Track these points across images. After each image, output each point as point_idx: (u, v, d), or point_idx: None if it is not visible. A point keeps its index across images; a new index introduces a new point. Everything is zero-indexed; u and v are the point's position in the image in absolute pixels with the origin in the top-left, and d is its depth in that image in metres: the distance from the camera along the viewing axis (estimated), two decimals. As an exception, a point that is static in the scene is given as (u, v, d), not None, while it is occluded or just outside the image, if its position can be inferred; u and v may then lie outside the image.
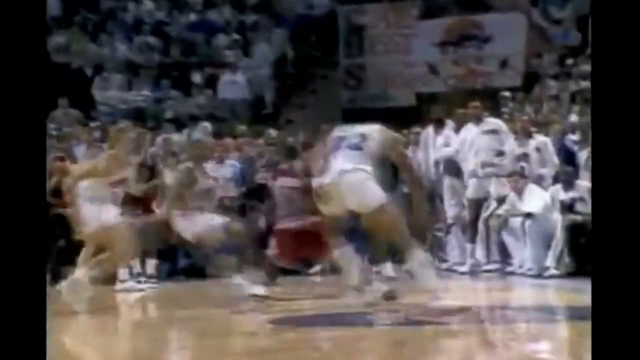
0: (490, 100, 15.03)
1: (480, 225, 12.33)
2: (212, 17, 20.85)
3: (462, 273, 12.18)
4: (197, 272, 12.62)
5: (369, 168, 7.55)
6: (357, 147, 7.60)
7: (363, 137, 7.70)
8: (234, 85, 18.92)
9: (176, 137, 16.19)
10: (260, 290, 8.64)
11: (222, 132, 16.31)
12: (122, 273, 11.37)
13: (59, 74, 18.37)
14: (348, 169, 7.47)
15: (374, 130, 7.81)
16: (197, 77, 19.37)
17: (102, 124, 16.92)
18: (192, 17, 20.78)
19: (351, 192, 7.37)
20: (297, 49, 20.10)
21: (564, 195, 11.41)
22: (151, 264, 12.39)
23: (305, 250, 9.07)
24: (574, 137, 13.10)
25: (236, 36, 20.29)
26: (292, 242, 8.95)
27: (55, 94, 17.46)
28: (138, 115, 18.14)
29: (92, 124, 16.77)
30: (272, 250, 9.08)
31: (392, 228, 7.42)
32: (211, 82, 19.23)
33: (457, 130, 12.87)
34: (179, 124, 17.59)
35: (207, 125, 16.78)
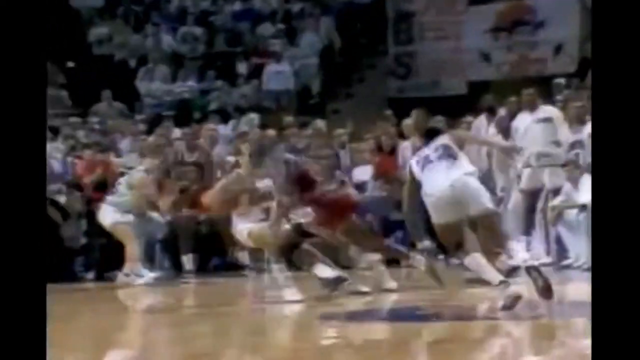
0: (544, 88, 14.61)
1: (538, 217, 12.01)
2: (257, 5, 20.70)
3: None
4: (229, 267, 12.68)
5: (474, 170, 7.86)
6: (450, 156, 7.83)
7: (446, 147, 7.90)
8: (279, 75, 18.67)
9: (222, 129, 16.05)
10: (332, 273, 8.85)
11: (268, 123, 16.11)
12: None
13: (101, 66, 18.32)
14: (459, 176, 7.71)
15: (446, 139, 8.01)
16: (242, 68, 19.22)
17: (147, 116, 16.85)
18: (237, 6, 20.66)
19: (468, 198, 7.62)
20: (344, 38, 19.77)
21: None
22: (189, 260, 12.36)
23: (338, 217, 9.01)
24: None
25: (282, 25, 20.09)
26: (330, 209, 8.90)
27: (98, 86, 17.39)
28: (183, 107, 18.05)
29: (137, 117, 16.68)
30: (306, 218, 8.90)
31: (496, 229, 7.75)
32: (257, 73, 19.03)
33: (510, 118, 12.58)
34: (225, 115, 17.41)
35: (254, 116, 16.61)
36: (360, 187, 13.00)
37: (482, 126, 12.88)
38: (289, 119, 15.73)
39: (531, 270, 7.37)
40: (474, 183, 7.71)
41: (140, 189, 11.80)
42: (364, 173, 13.13)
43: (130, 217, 11.72)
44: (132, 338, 7.50)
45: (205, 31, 19.84)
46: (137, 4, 20.26)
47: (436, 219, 7.69)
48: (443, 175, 7.67)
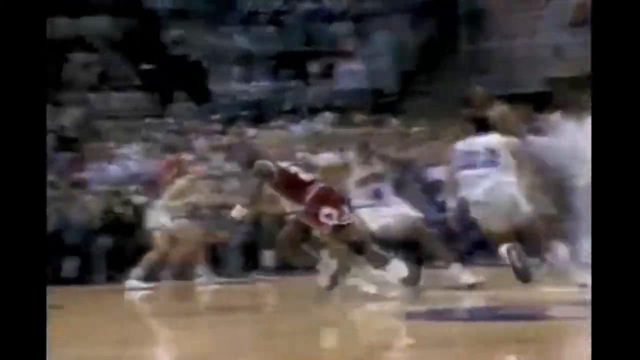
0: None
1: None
2: (330, 5, 20.73)
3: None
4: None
5: (513, 180, 8.24)
6: (493, 164, 8.21)
7: (492, 152, 8.26)
8: (352, 74, 18.81)
9: (296, 128, 16.19)
10: (471, 278, 9.13)
11: (342, 122, 16.20)
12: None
13: (176, 67, 18.53)
14: (496, 186, 8.13)
15: (498, 143, 8.36)
16: (315, 67, 19.34)
17: (222, 117, 17.04)
18: (310, 5, 20.72)
19: (509, 207, 8.07)
20: (417, 35, 19.76)
21: None
22: (269, 256, 12.51)
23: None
24: None
25: (354, 24, 20.14)
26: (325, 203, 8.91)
27: (172, 87, 17.61)
28: (257, 107, 18.20)
29: (212, 117, 16.88)
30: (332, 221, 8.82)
31: (541, 234, 8.18)
32: (330, 72, 19.17)
33: (587, 116, 12.46)
34: (298, 114, 17.53)
35: (328, 115, 16.71)
36: (434, 185, 13.01)
37: (558, 123, 12.77)
38: (362, 117, 15.79)
39: (511, 250, 7.66)
40: (512, 191, 8.06)
41: (179, 195, 11.95)
42: (440, 172, 13.10)
43: (175, 221, 11.86)
44: (212, 336, 7.50)
45: (278, 31, 20.00)
46: (211, 4, 20.44)
47: (486, 227, 8.09)
48: (483, 183, 8.05)
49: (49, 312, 8.12)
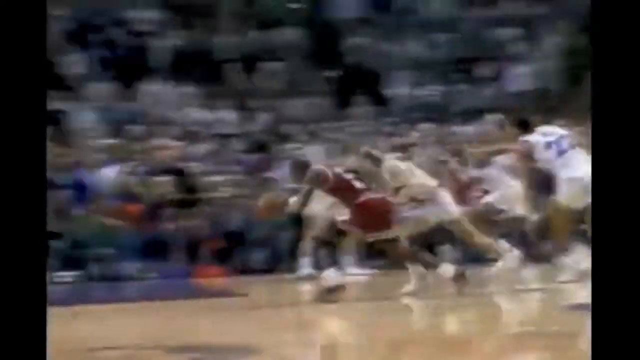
0: None
1: None
2: (499, 10, 21.14)
3: None
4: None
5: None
6: (564, 151, 8.99)
7: (562, 137, 9.07)
8: (521, 77, 19.29)
9: (465, 130, 16.96)
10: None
11: (509, 124, 16.74)
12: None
13: (354, 73, 19.57)
14: (583, 171, 8.56)
15: (560, 129, 9.09)
16: (485, 71, 19.90)
17: (395, 120, 17.96)
18: (480, 11, 21.16)
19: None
20: (584, 37, 20.10)
21: None
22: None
23: (375, 222, 9.42)
24: None
25: (523, 28, 20.53)
26: (368, 214, 9.34)
27: (352, 92, 18.65)
28: (428, 110, 18.97)
29: (386, 120, 17.83)
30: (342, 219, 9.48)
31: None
32: (498, 75, 19.73)
33: None
34: (468, 117, 18.18)
35: (495, 117, 17.37)
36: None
37: None
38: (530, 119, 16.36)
39: None
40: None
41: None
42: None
43: (332, 211, 12.90)
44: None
45: (449, 36, 20.59)
46: (387, 14, 21.23)
47: (568, 203, 8.67)
48: (582, 166, 8.61)
49: (237, 300, 9.09)
